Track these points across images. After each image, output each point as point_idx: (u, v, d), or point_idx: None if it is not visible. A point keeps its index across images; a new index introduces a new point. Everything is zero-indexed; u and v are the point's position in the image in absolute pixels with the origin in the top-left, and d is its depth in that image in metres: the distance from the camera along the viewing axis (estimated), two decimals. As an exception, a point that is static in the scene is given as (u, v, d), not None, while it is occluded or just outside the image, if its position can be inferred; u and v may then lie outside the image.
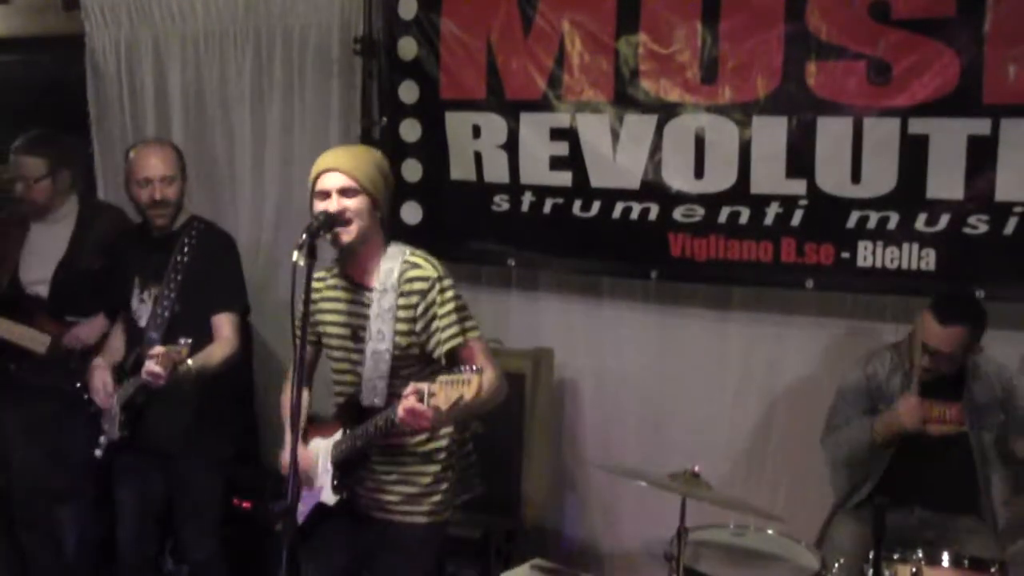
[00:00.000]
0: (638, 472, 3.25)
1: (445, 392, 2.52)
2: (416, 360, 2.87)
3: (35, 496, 4.01)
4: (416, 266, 2.84)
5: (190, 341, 3.26)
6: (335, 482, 2.92)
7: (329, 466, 2.95)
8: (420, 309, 2.81)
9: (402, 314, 2.82)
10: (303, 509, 2.93)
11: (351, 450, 2.89)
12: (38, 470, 3.95)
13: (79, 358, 3.81)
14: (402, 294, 2.82)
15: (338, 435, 2.94)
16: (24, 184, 3.83)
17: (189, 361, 3.26)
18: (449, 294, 2.83)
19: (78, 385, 3.76)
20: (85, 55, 4.88)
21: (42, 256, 3.88)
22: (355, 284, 2.91)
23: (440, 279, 2.83)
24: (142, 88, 4.80)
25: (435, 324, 2.81)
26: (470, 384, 2.50)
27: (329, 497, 2.93)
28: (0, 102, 4.89)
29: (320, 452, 2.99)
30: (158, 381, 3.22)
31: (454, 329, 2.81)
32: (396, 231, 3.11)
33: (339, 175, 2.79)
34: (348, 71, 4.38)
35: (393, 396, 2.78)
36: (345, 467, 2.92)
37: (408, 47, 4.18)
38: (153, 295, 3.52)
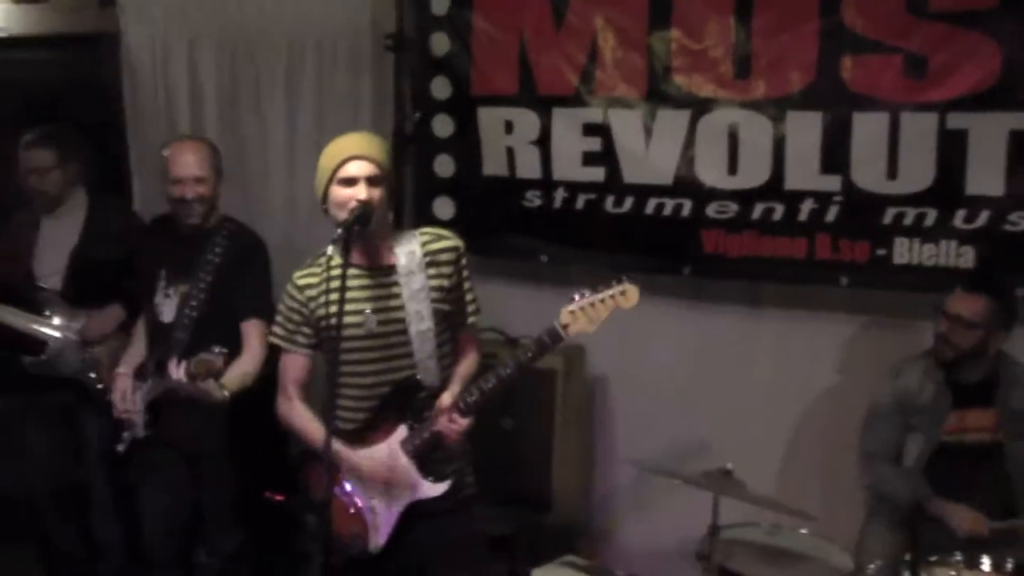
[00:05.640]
0: (671, 470, 3.23)
1: (587, 315, 2.68)
2: (450, 330, 2.95)
3: (57, 488, 4.04)
4: (440, 237, 2.93)
5: (226, 351, 3.22)
6: (429, 475, 2.83)
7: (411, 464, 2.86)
8: (454, 279, 2.89)
9: (434, 283, 2.85)
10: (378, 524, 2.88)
11: (423, 445, 2.83)
12: (56, 462, 4.00)
13: (94, 347, 3.84)
14: (431, 265, 2.86)
15: (402, 433, 2.85)
16: (36, 176, 3.87)
17: (225, 383, 3.23)
18: (469, 266, 2.96)
19: (92, 375, 3.80)
20: (120, 52, 4.91)
21: (54, 249, 3.91)
22: (371, 268, 2.85)
23: (465, 249, 2.94)
24: (176, 85, 4.82)
25: (466, 296, 2.94)
26: (626, 295, 2.67)
27: (434, 489, 2.84)
28: (35, 99, 4.94)
29: (387, 459, 2.86)
30: (183, 390, 3.22)
31: (476, 304, 2.98)
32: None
33: (367, 163, 2.75)
34: (380, 67, 4.38)
35: (443, 371, 2.88)
36: (424, 460, 2.85)
37: (440, 43, 4.18)
38: (180, 292, 3.49)
